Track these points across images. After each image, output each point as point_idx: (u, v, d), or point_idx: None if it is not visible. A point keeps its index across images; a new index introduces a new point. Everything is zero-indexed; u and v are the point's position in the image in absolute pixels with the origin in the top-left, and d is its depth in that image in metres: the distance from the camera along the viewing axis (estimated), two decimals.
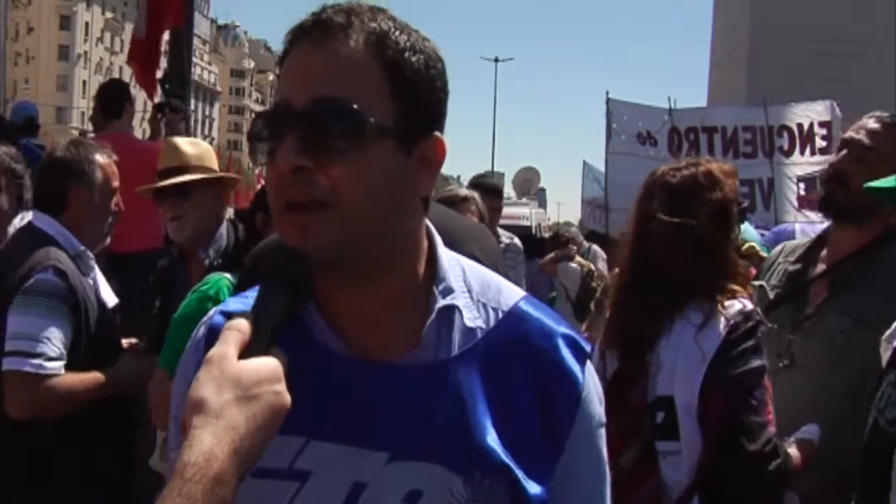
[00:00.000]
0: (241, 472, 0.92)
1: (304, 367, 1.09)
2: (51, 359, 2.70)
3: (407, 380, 1.10)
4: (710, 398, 2.12)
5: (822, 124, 9.48)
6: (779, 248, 2.88)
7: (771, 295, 2.66)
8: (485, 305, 1.17)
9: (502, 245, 5.61)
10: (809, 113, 9.72)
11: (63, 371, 2.71)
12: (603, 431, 1.19)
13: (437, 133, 1.13)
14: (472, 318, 1.14)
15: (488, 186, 5.66)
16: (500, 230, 5.87)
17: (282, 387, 0.99)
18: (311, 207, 1.05)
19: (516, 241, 6.32)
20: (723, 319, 2.17)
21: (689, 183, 2.30)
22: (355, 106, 1.04)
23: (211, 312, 1.23)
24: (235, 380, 0.95)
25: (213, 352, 0.98)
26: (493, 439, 1.10)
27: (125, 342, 3.15)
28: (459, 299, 1.14)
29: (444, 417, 1.09)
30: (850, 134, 2.60)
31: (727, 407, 2.11)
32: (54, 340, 2.71)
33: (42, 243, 2.85)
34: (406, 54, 1.09)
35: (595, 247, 10.44)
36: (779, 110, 10.04)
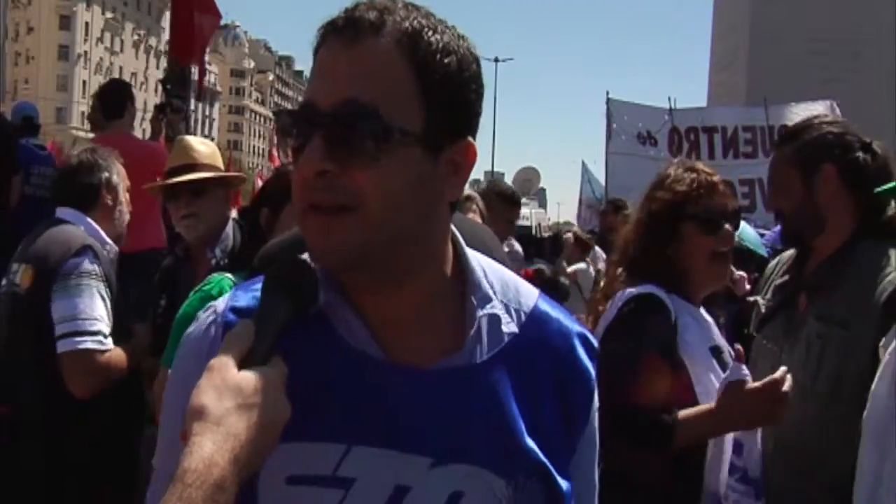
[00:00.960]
0: (241, 480, 0.92)
1: (340, 373, 1.09)
2: (106, 335, 2.83)
3: (443, 384, 1.10)
4: None
5: None
6: (774, 261, 2.92)
7: (763, 309, 2.71)
8: (507, 306, 1.17)
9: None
10: (810, 113, 9.71)
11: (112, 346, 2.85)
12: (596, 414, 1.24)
13: (469, 138, 1.11)
14: (506, 322, 1.15)
15: (504, 193, 5.21)
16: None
17: (282, 396, 0.99)
18: (335, 210, 1.03)
19: (516, 246, 6.12)
20: (615, 305, 2.35)
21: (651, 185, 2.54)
22: (381, 110, 1.02)
23: (221, 308, 1.17)
24: (236, 388, 0.96)
25: (215, 360, 0.99)
26: (529, 440, 1.11)
27: None
28: (497, 305, 1.15)
29: (482, 420, 1.10)
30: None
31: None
32: (105, 318, 2.84)
33: (73, 229, 2.97)
34: (438, 56, 1.06)
35: (597, 248, 10.44)
36: (779, 110, 10.06)
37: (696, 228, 2.37)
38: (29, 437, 2.88)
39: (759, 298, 2.77)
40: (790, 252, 2.83)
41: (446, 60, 1.07)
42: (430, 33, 1.07)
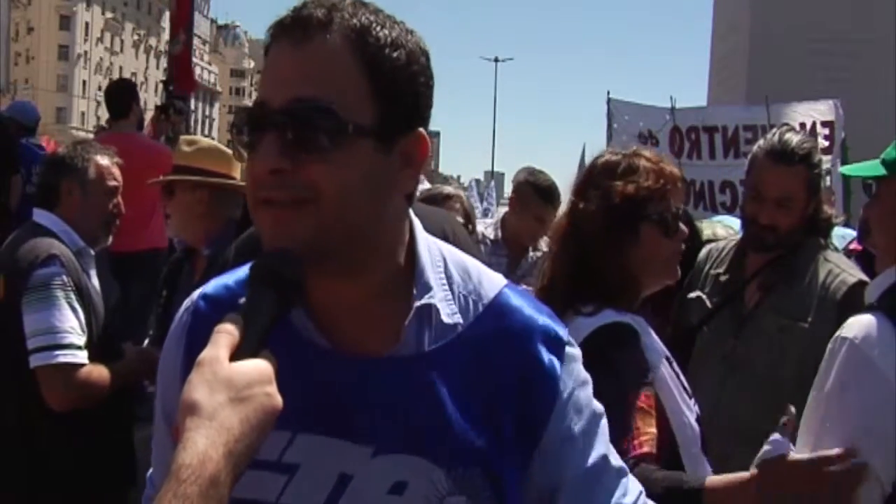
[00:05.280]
0: (236, 474, 0.92)
1: (288, 362, 1.09)
2: (80, 348, 2.75)
3: (388, 374, 1.11)
4: None
5: (824, 124, 9.42)
6: (703, 254, 3.00)
7: (709, 303, 2.84)
8: (465, 297, 1.17)
9: (539, 253, 4.55)
10: (812, 112, 9.65)
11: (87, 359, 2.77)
12: (590, 409, 1.20)
13: (421, 129, 1.13)
14: (449, 314, 1.14)
15: (538, 186, 4.51)
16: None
17: (273, 388, 0.99)
18: (288, 204, 1.05)
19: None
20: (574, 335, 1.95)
21: (589, 169, 2.17)
22: (333, 106, 1.04)
23: (194, 296, 1.23)
24: (227, 382, 0.95)
25: (205, 354, 0.98)
26: (473, 433, 1.11)
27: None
28: (437, 295, 1.14)
29: (425, 411, 1.11)
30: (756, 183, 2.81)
31: None
32: (77, 329, 2.77)
33: (43, 237, 2.90)
34: (386, 51, 1.08)
35: None
36: (780, 109, 9.99)
37: (656, 230, 2.03)
38: (11, 451, 2.83)
39: (700, 294, 2.86)
40: (717, 245, 3.00)
41: (395, 54, 1.08)
42: (379, 28, 1.08)
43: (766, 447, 1.80)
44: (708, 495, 1.77)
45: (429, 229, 1.23)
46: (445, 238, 1.28)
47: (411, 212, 1.19)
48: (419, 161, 1.13)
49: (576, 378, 1.19)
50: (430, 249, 1.19)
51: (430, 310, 1.13)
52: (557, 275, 2.10)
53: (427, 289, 1.14)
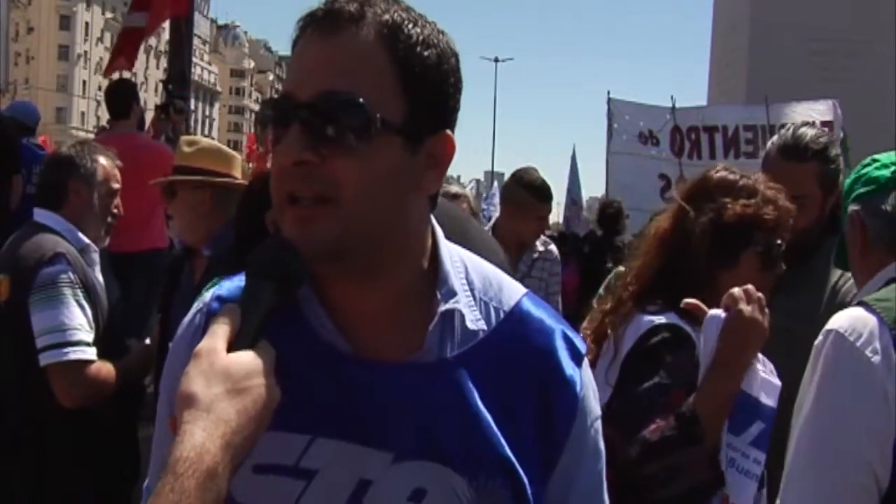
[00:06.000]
0: (234, 466, 0.92)
1: (308, 365, 1.09)
2: (89, 345, 2.76)
3: (410, 380, 1.10)
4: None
5: (823, 124, 9.41)
6: None
7: None
8: (486, 304, 1.16)
9: (535, 254, 4.60)
10: (812, 112, 9.64)
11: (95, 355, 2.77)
12: (599, 425, 1.20)
13: (448, 131, 1.12)
14: (473, 319, 1.13)
15: (532, 185, 4.41)
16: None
17: (271, 379, 0.98)
18: (312, 202, 1.04)
19: (552, 247, 4.80)
20: (629, 337, 2.02)
21: (703, 180, 2.18)
22: (361, 100, 1.02)
23: (207, 298, 1.21)
24: (225, 373, 0.95)
25: (202, 346, 0.98)
26: (496, 441, 1.10)
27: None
28: (462, 301, 1.13)
29: (447, 418, 1.09)
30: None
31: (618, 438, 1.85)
32: (85, 326, 2.78)
33: (47, 235, 2.90)
34: (418, 49, 1.06)
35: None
36: (780, 109, 9.99)
37: (757, 261, 2.07)
38: (15, 450, 2.83)
39: None
40: None
41: (426, 53, 1.07)
42: (411, 26, 1.07)
43: (708, 333, 1.90)
44: (697, 403, 1.85)
45: (451, 237, 1.22)
46: (464, 232, 1.27)
47: (433, 219, 1.17)
48: (444, 163, 1.12)
49: (593, 387, 1.19)
50: (451, 254, 1.18)
51: (454, 316, 1.12)
52: (646, 278, 2.11)
53: (451, 294, 1.12)
